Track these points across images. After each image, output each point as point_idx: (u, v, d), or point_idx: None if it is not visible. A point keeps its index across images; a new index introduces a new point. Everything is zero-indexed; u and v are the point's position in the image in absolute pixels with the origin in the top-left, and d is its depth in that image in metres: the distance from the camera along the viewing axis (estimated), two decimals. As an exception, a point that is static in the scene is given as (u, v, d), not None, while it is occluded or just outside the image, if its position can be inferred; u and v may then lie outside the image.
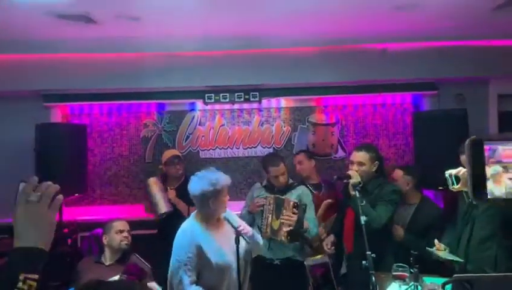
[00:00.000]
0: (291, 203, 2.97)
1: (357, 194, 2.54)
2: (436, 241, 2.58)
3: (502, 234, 2.44)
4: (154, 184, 3.51)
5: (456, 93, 4.27)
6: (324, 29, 3.66)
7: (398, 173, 3.24)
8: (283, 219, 2.93)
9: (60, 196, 0.97)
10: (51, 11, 3.07)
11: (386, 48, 4.11)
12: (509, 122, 4.46)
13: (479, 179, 0.50)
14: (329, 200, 3.23)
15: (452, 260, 2.45)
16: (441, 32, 3.79)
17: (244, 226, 2.33)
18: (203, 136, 4.47)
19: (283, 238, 2.94)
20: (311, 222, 3.03)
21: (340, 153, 4.48)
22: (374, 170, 2.89)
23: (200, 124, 4.47)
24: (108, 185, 4.44)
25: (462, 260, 2.45)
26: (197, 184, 2.24)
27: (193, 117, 4.47)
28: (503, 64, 4.08)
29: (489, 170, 0.48)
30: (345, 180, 2.83)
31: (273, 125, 4.48)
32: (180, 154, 3.84)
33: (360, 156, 2.89)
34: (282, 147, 4.46)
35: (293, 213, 2.92)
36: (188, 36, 3.76)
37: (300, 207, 2.94)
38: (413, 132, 4.12)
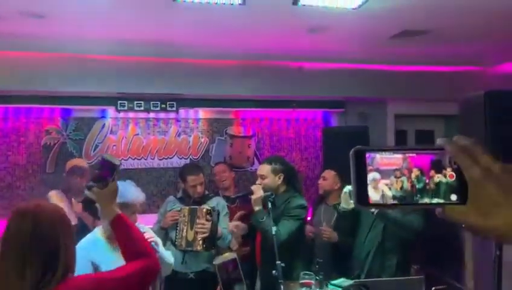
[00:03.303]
0: (204, 210, 2.95)
1: (268, 208, 2.52)
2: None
3: (402, 244, 2.65)
4: (55, 198, 3.23)
5: (359, 112, 4.68)
6: (243, 44, 3.74)
7: (330, 173, 3.26)
8: (197, 228, 2.90)
9: None
10: None
11: (302, 66, 4.35)
12: (403, 139, 5.02)
13: (361, 186, 0.57)
14: (243, 212, 3.27)
15: None
16: (349, 55, 4.14)
17: (149, 234, 2.16)
18: (114, 145, 4.22)
19: (199, 247, 2.91)
20: (225, 230, 3.03)
21: (256, 166, 4.56)
22: (279, 182, 2.73)
23: (111, 133, 4.22)
24: (1, 198, 3.94)
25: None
26: None
27: (103, 125, 4.20)
28: (399, 88, 4.59)
29: (368, 177, 0.55)
30: (249, 196, 2.67)
31: (190, 136, 4.42)
32: (85, 164, 3.59)
33: (262, 168, 2.78)
34: (200, 158, 4.41)
35: (207, 220, 2.91)
36: (101, 39, 3.55)
37: (213, 213, 2.94)
38: (322, 146, 4.40)
